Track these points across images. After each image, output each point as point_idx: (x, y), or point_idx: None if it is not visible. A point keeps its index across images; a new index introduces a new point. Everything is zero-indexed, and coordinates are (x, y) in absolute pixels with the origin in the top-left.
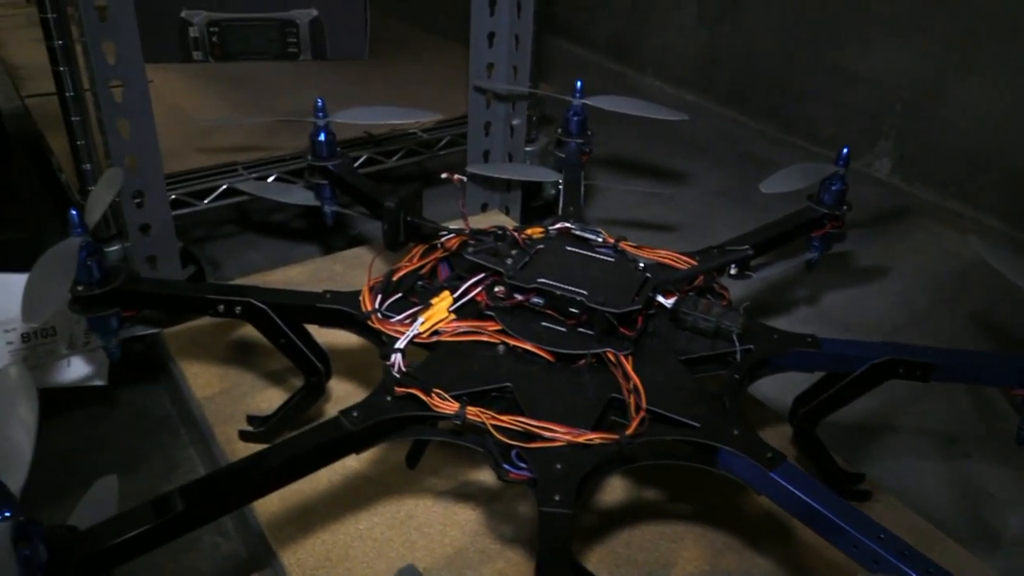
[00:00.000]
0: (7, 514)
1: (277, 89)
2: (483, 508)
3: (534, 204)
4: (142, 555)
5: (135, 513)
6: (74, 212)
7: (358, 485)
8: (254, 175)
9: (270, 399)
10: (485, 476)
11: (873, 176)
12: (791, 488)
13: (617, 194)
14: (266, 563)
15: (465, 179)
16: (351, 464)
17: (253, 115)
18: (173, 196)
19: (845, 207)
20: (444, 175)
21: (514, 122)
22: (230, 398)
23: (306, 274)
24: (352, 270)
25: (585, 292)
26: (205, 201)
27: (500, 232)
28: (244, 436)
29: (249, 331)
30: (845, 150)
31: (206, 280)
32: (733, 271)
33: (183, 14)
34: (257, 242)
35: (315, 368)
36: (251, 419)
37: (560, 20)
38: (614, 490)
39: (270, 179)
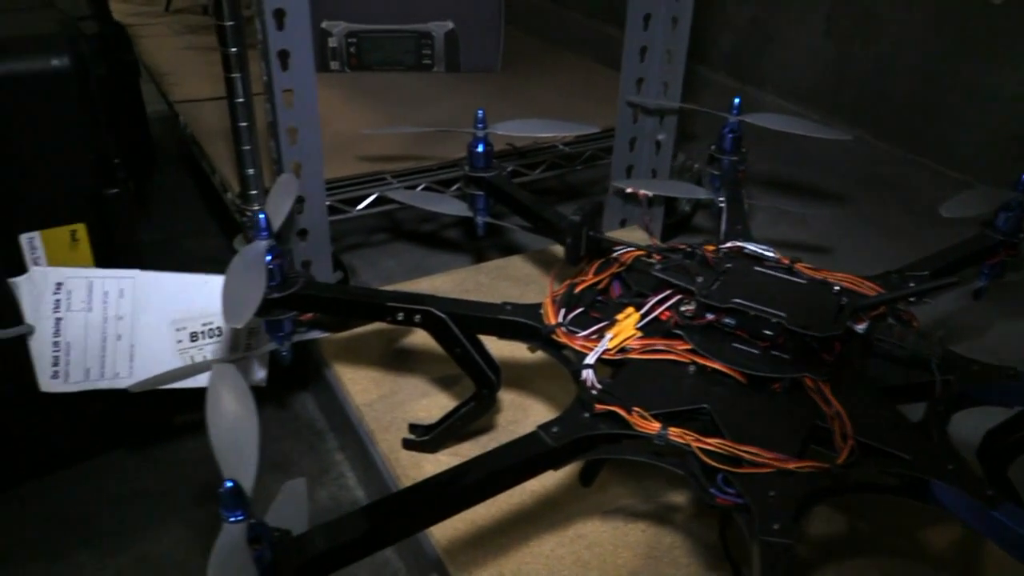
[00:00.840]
0: (241, 516)
1: (412, 101)
2: (654, 530)
3: (667, 221)
4: (354, 562)
5: (349, 520)
6: (262, 216)
7: (524, 501)
8: (403, 184)
9: (428, 408)
10: (651, 496)
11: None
12: (1017, 529)
13: (774, 218)
14: None
15: (651, 194)
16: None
17: (394, 125)
18: (328, 202)
19: (1022, 235)
20: (629, 190)
21: (660, 137)
22: (388, 405)
23: (452, 283)
24: (497, 281)
25: (783, 314)
26: (357, 208)
27: (690, 250)
28: (407, 444)
29: (402, 340)
30: None
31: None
32: (912, 300)
33: (323, 25)
34: (397, 250)
35: (487, 379)
36: (413, 427)
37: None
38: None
39: (418, 188)
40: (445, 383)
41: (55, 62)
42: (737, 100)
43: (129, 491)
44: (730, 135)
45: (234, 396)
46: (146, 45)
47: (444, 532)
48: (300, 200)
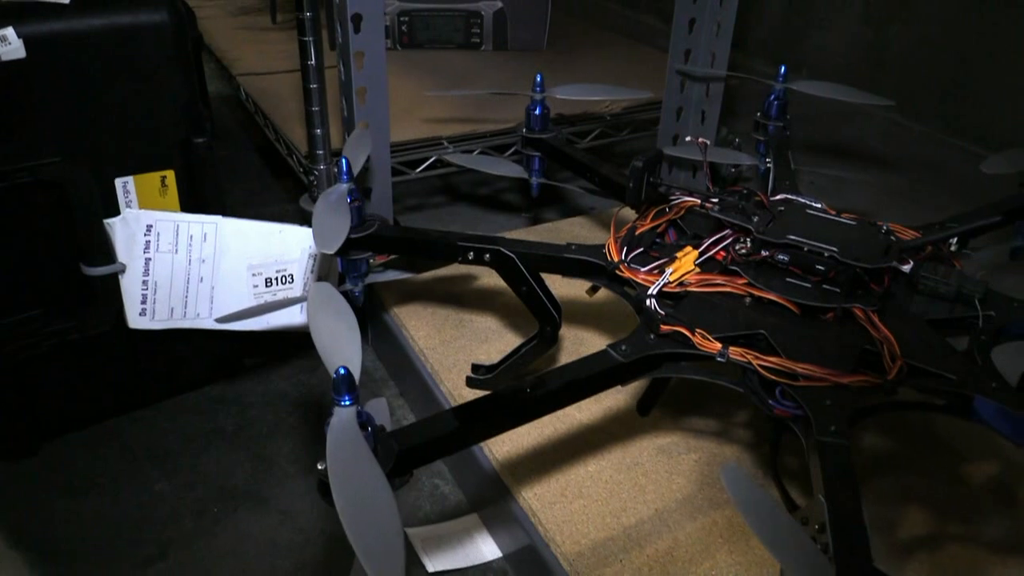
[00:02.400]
0: (351, 400)
1: (463, 76)
2: (706, 460)
3: None
4: (444, 456)
5: (441, 419)
6: (344, 159)
7: (583, 433)
8: (459, 149)
9: (488, 352)
10: (704, 429)
11: None
12: None
13: (827, 184)
14: (491, 502)
15: (708, 142)
16: (575, 415)
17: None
18: (391, 164)
19: None
20: (688, 138)
21: (706, 109)
22: (450, 349)
23: None
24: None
25: (836, 249)
26: (417, 170)
27: (745, 192)
28: (471, 383)
29: (459, 288)
30: None
31: None
32: (953, 247)
33: None
34: (454, 212)
35: (551, 316)
36: (476, 367)
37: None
38: None
39: (474, 153)
40: (502, 329)
41: (156, 17)
42: (783, 68)
43: (205, 429)
44: (776, 102)
45: (333, 302)
46: (204, 25)
47: (505, 450)
48: (367, 159)
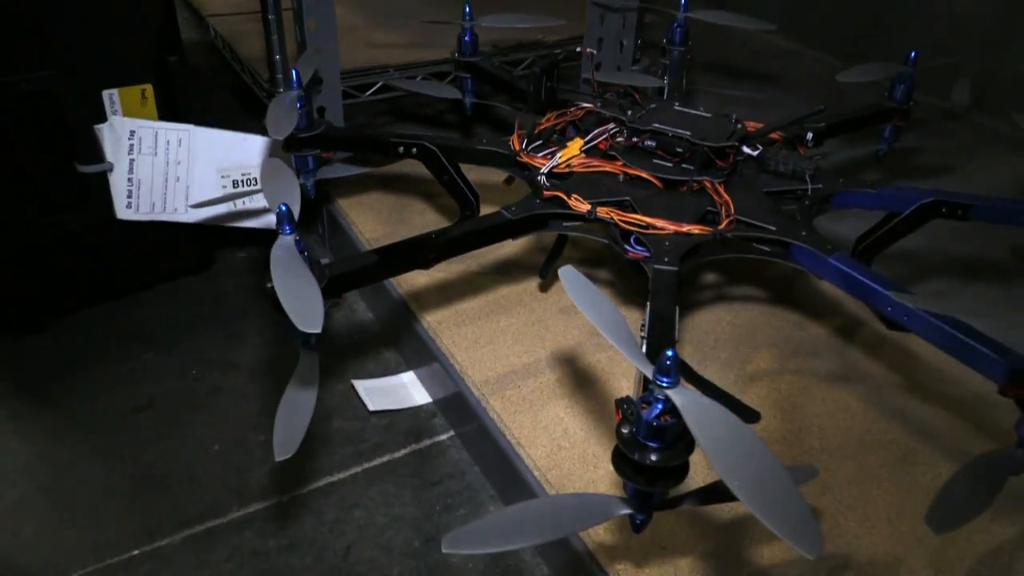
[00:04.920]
0: (290, 229)
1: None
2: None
3: None
4: (366, 284)
5: (364, 256)
6: (295, 71)
7: (499, 300)
8: (404, 76)
9: None
10: None
11: (953, 112)
12: (842, 267)
13: (710, 98)
14: (425, 356)
15: (595, 51)
16: (496, 287)
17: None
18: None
19: (912, 103)
20: (578, 49)
21: (624, 40)
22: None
23: None
24: None
25: (688, 132)
26: (366, 93)
27: (623, 92)
28: None
29: (400, 187)
30: (913, 53)
31: None
32: (810, 143)
33: None
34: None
35: (469, 201)
36: None
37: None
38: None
39: (417, 79)
40: (439, 221)
41: None
42: (683, 1)
43: (186, 313)
44: (678, 29)
45: (279, 168)
46: None
47: (434, 315)
48: (319, 82)
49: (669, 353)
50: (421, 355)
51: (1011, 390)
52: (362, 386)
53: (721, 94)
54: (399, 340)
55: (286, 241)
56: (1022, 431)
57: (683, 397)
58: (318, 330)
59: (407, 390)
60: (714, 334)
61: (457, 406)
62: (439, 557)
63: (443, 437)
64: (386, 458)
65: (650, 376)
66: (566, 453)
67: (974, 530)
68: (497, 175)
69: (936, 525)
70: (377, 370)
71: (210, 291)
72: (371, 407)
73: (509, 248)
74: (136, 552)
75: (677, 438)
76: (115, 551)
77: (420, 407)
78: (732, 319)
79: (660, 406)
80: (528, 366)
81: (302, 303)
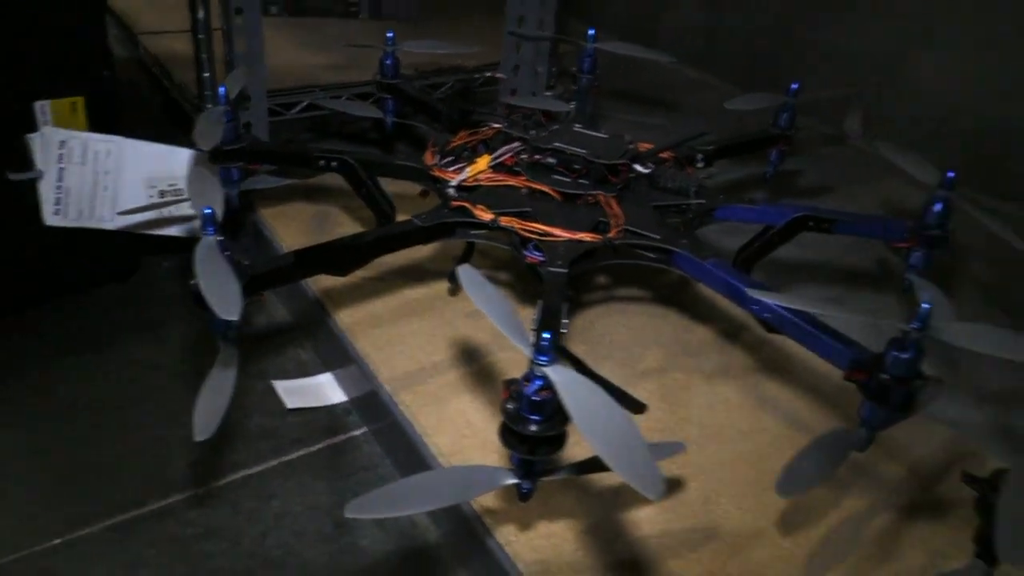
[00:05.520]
0: (214, 231)
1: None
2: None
3: None
4: (286, 283)
5: (283, 257)
6: (223, 88)
7: (410, 304)
8: (330, 96)
9: None
10: None
11: (853, 145)
12: (716, 271)
13: (615, 123)
14: (342, 357)
15: (505, 76)
16: (408, 293)
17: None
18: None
19: (794, 129)
20: (490, 73)
21: (539, 68)
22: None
23: None
24: None
25: (584, 151)
26: (292, 111)
27: (529, 114)
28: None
29: (322, 198)
30: (794, 85)
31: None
32: (700, 164)
33: None
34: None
35: (386, 213)
36: None
37: (580, 4)
38: (597, 315)
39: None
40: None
41: None
42: (591, 31)
43: (111, 318)
44: (587, 58)
45: (204, 174)
46: None
47: (350, 318)
48: (247, 99)
49: (546, 335)
50: (337, 356)
51: (853, 375)
52: (281, 386)
53: (626, 119)
54: (317, 342)
55: (209, 241)
56: (863, 413)
57: (557, 374)
58: (236, 317)
59: (324, 389)
60: (609, 336)
61: (371, 403)
62: (350, 540)
63: (357, 433)
64: (303, 452)
65: (530, 355)
66: (468, 441)
67: (829, 504)
68: (413, 188)
69: (782, 490)
70: (296, 371)
71: (136, 297)
72: (289, 405)
73: (421, 255)
74: (58, 541)
75: (554, 411)
76: (37, 540)
77: (336, 405)
78: (626, 323)
79: (539, 382)
80: (436, 364)
81: (222, 294)
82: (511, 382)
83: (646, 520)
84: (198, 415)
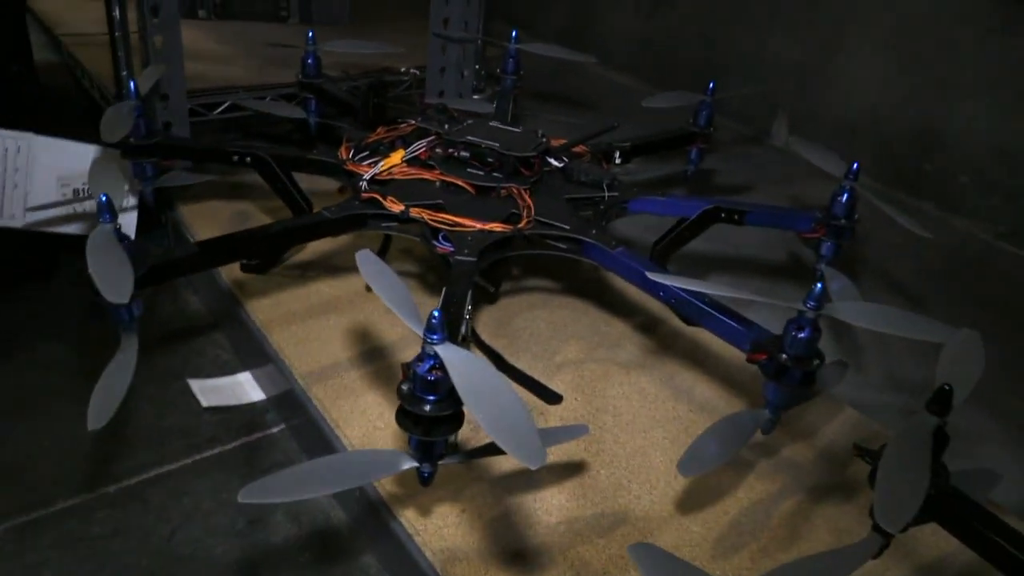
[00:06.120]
0: (109, 218)
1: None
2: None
3: None
4: (188, 273)
5: (186, 247)
6: (132, 82)
7: (328, 302)
8: (253, 97)
9: None
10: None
11: (773, 145)
12: (622, 259)
13: (543, 123)
14: (259, 356)
15: (418, 72)
16: (326, 290)
17: (250, 59)
18: (189, 106)
19: (712, 128)
20: (404, 68)
21: (465, 71)
22: None
23: None
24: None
25: (497, 144)
26: (215, 112)
27: (442, 107)
28: (244, 267)
29: (240, 195)
30: (712, 84)
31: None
32: (618, 160)
33: None
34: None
35: (302, 208)
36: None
37: (515, 13)
38: (517, 309)
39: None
40: None
41: None
42: (514, 33)
43: (23, 318)
44: (510, 59)
45: (106, 162)
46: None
47: (267, 316)
48: (165, 97)
49: (435, 313)
50: (254, 352)
51: (753, 356)
52: (197, 384)
53: (548, 119)
54: (235, 341)
55: (104, 229)
56: (766, 394)
57: (447, 351)
58: (125, 300)
59: (242, 388)
60: (529, 330)
61: (287, 399)
62: (261, 535)
63: (274, 430)
64: (217, 450)
65: (420, 334)
66: (380, 433)
67: (739, 487)
68: (332, 186)
69: (684, 469)
70: (216, 372)
71: (50, 297)
72: (204, 403)
73: (341, 253)
74: None
75: (448, 391)
76: None
77: (255, 404)
78: (547, 317)
79: (431, 362)
80: (352, 359)
81: (112, 278)
82: (407, 365)
83: (557, 508)
84: (93, 404)
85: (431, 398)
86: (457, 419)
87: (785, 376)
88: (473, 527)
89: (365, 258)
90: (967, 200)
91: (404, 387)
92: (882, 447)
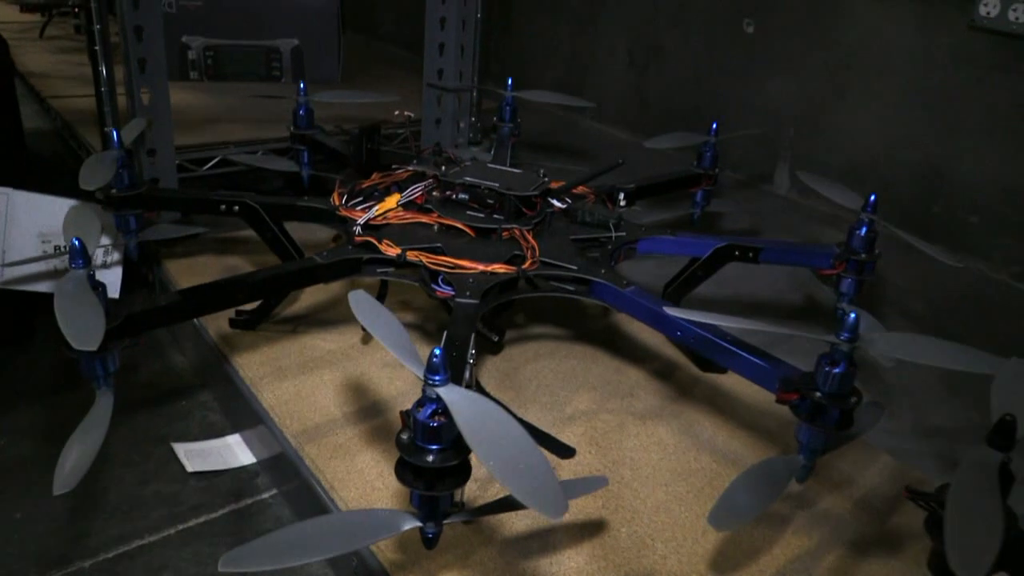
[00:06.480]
0: (83, 264)
1: (261, 101)
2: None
3: None
4: (169, 324)
5: (167, 296)
6: (115, 131)
7: (322, 356)
8: (243, 151)
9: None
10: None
11: (775, 194)
12: (635, 299)
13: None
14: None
15: (412, 115)
16: (319, 344)
17: (240, 116)
18: (177, 161)
19: (717, 169)
20: (396, 112)
21: (461, 122)
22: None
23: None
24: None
25: (497, 184)
26: (204, 167)
27: (437, 148)
28: (233, 323)
29: (232, 263)
30: (715, 124)
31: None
32: (623, 203)
33: (183, 39)
34: None
35: (293, 259)
36: (239, 312)
37: (508, 72)
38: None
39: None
40: None
41: None
42: (510, 80)
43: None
44: (507, 107)
45: (83, 208)
46: (23, 61)
47: (256, 372)
48: (153, 152)
49: (436, 351)
50: (242, 411)
51: (784, 396)
52: (182, 448)
53: (545, 166)
54: (222, 400)
55: (77, 275)
56: (800, 437)
57: (450, 393)
58: (93, 348)
59: (231, 451)
60: (536, 380)
61: (278, 461)
62: None
63: (265, 496)
64: (203, 519)
65: (420, 376)
66: (379, 494)
67: (775, 542)
68: (325, 233)
69: (716, 522)
70: (202, 435)
71: (27, 362)
72: (190, 468)
73: (334, 309)
74: None
75: (453, 438)
76: None
77: (244, 468)
78: (555, 367)
79: (432, 407)
80: (347, 416)
81: (81, 324)
82: (407, 413)
83: (575, 571)
84: (61, 466)
85: (434, 447)
86: (464, 470)
87: (821, 416)
88: None
89: (359, 299)
90: (978, 241)
91: (404, 436)
92: (939, 489)
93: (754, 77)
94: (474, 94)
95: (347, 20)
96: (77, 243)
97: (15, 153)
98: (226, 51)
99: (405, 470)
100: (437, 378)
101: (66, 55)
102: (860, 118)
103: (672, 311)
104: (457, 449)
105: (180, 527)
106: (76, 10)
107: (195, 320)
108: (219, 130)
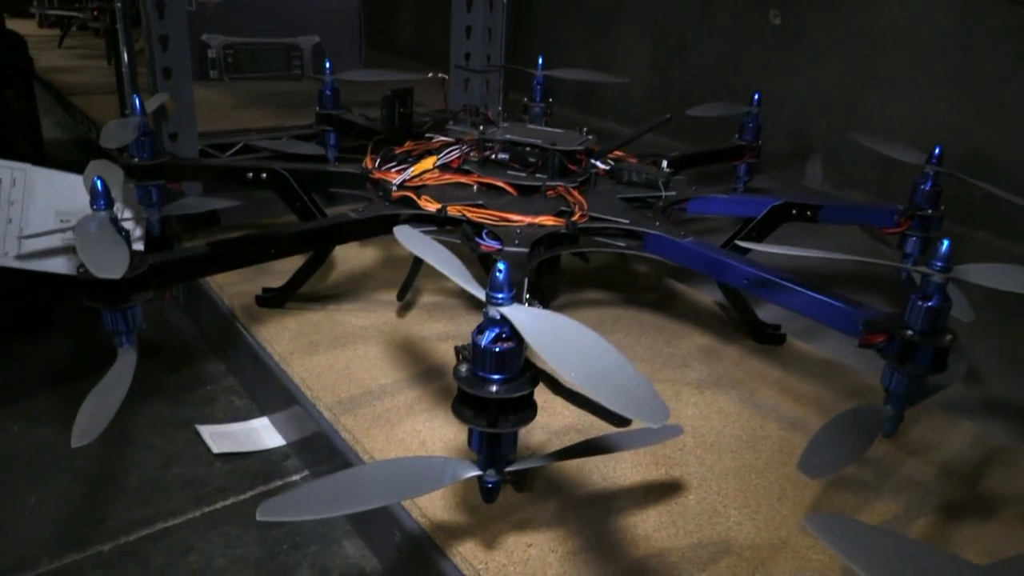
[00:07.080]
0: (104, 205)
1: (283, 96)
2: (449, 343)
3: None
4: (195, 277)
5: (193, 249)
6: (136, 97)
7: (356, 332)
8: (266, 138)
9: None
10: (455, 333)
11: (807, 187)
12: (696, 248)
13: None
14: (279, 402)
15: (447, 76)
16: (352, 320)
17: (262, 108)
18: (200, 147)
19: (760, 142)
20: (430, 75)
21: (489, 107)
22: (241, 277)
23: None
24: None
25: (540, 140)
26: (227, 153)
27: (475, 108)
28: (260, 301)
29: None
30: (756, 95)
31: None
32: (667, 170)
33: (203, 37)
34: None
35: None
36: (266, 289)
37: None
38: None
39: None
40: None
41: None
42: (540, 59)
43: (17, 372)
44: (538, 87)
45: (105, 163)
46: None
47: (286, 348)
48: (175, 136)
49: (501, 266)
50: (270, 390)
51: (869, 339)
52: (207, 430)
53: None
54: (248, 381)
55: (99, 216)
56: (887, 384)
57: (517, 313)
58: (118, 275)
59: (258, 434)
60: None
61: (310, 441)
62: None
63: (296, 477)
64: (230, 501)
65: (483, 297)
66: None
67: (859, 509)
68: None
69: (806, 468)
70: (227, 419)
71: (46, 351)
72: (215, 450)
73: (363, 288)
74: None
75: (520, 366)
76: None
77: (272, 450)
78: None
79: (496, 330)
80: (385, 387)
81: (104, 253)
82: (463, 348)
83: (643, 538)
84: (80, 419)
85: (498, 377)
86: (530, 406)
87: (912, 357)
88: (546, 564)
89: (405, 232)
90: None
91: (462, 368)
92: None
93: (782, 69)
94: (501, 81)
95: (365, 37)
96: (99, 183)
97: (31, 133)
98: (246, 49)
99: (464, 406)
100: (501, 296)
101: (83, 59)
102: (897, 106)
103: (746, 244)
104: (525, 379)
105: (206, 509)
106: (96, 14)
107: (221, 300)
108: (243, 116)
